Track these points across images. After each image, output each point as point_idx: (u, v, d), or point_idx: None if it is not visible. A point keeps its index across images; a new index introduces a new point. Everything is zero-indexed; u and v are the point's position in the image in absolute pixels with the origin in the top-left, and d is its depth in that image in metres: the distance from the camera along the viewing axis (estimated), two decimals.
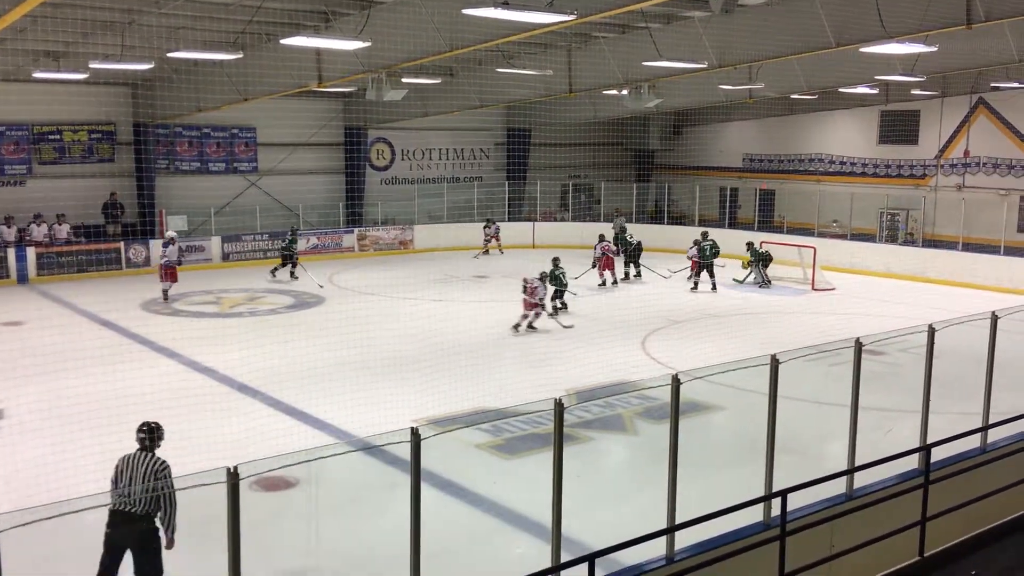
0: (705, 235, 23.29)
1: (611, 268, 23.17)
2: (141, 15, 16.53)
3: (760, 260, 23.33)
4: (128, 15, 16.62)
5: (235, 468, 4.85)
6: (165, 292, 20.34)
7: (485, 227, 28.97)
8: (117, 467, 7.02)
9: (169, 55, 17.74)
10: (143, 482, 6.79)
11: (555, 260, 19.43)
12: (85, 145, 25.36)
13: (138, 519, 6.71)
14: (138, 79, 24.30)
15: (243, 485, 4.91)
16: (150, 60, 19.12)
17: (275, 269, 23.86)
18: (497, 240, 28.90)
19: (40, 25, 16.73)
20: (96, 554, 6.79)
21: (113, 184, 25.64)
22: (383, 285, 22.50)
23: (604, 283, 22.98)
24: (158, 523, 6.76)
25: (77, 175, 25.16)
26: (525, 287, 17.38)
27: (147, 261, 24.74)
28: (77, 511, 4.58)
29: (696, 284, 22.70)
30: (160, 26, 17.52)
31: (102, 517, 6.70)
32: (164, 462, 6.92)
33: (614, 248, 23.74)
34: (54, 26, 16.73)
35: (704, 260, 22.63)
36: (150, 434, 7.01)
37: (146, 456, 6.94)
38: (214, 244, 26.05)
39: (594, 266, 23.33)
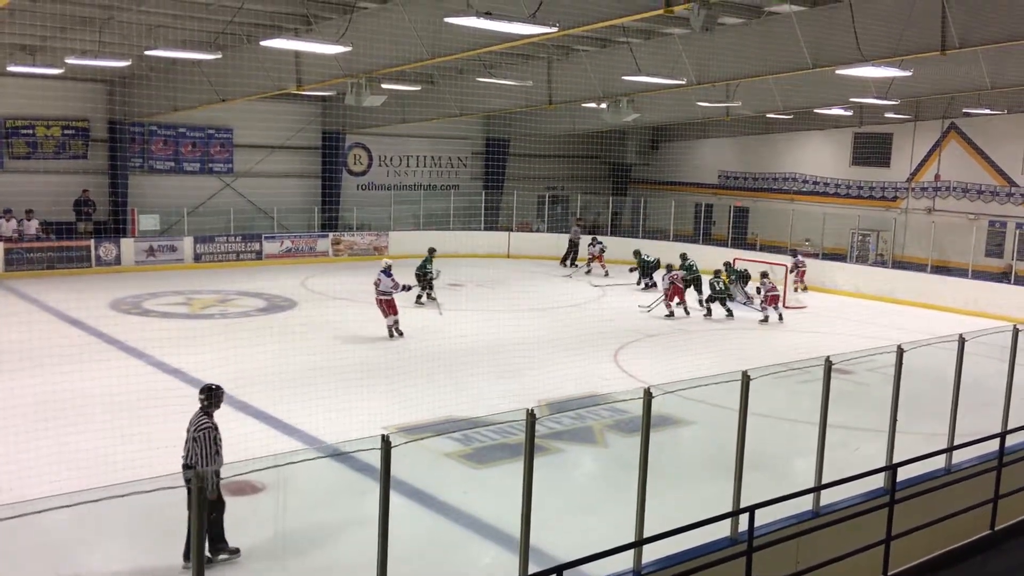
0: (684, 256, 23.30)
1: (681, 297, 21.20)
2: (120, 12, 16.38)
3: (739, 279, 23.46)
4: (107, 11, 16.48)
5: (202, 472, 4.79)
6: (391, 328, 17.38)
7: (591, 245, 27.91)
8: (191, 420, 7.91)
9: (147, 53, 17.60)
10: (191, 437, 7.74)
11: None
12: (58, 141, 25.06)
13: (188, 468, 7.61)
14: (115, 76, 24.09)
15: None
16: (127, 57, 18.95)
17: (419, 297, 20.89)
18: (600, 259, 27.52)
19: (17, 18, 16.54)
20: (55, 552, 6.70)
21: (85, 181, 25.36)
22: (356, 290, 22.39)
23: (672, 314, 21.00)
24: (196, 468, 7.49)
25: (49, 171, 24.86)
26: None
27: (118, 260, 24.49)
28: (39, 511, 4.51)
29: (683, 308, 21.26)
30: (139, 23, 17.40)
31: (63, 517, 6.60)
32: (205, 423, 7.72)
33: (682, 276, 21.70)
34: (31, 20, 16.54)
35: (692, 275, 22.25)
36: (208, 396, 7.89)
37: (198, 416, 7.81)
38: (186, 245, 25.82)
39: (665, 296, 21.36)
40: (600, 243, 28.06)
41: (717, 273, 21.99)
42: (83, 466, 9.45)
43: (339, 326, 17.50)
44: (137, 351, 15.53)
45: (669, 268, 22.08)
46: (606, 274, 27.12)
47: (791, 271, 24.70)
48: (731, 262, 23.77)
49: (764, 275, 21.73)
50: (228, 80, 20.08)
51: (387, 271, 17.57)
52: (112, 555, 8.18)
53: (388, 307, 17.38)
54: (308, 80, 18.68)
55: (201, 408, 7.88)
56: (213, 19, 17.04)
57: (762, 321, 20.99)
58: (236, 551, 7.88)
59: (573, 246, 29.51)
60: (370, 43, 15.41)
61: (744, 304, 22.81)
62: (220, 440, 7.80)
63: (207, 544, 7.43)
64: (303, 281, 24.02)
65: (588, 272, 27.49)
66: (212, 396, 7.88)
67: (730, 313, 21.37)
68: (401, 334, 17.28)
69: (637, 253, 25.57)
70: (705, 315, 21.44)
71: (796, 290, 24.54)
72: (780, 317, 21.18)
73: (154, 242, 25.32)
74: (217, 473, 7.30)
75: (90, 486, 6.70)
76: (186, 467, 7.71)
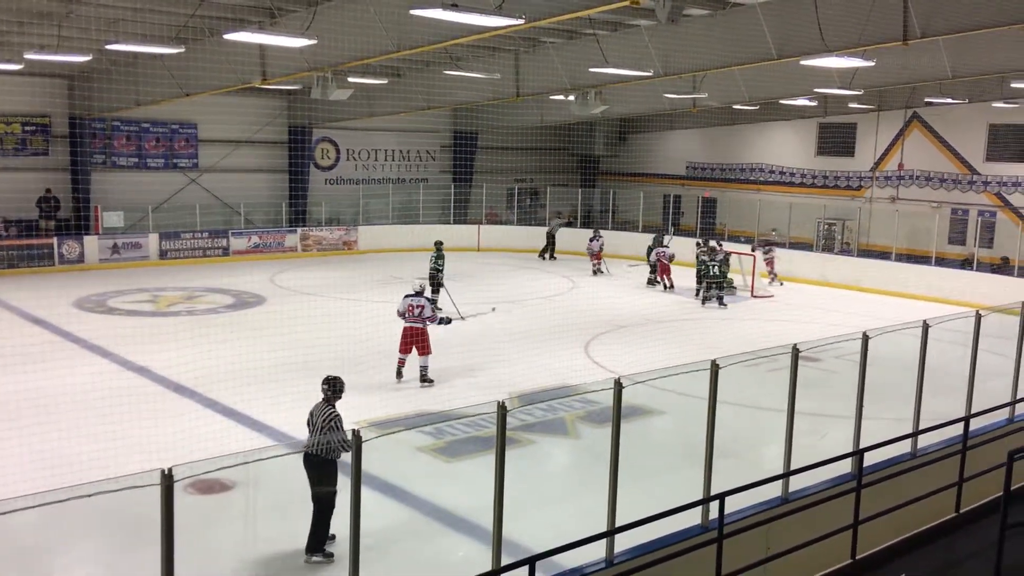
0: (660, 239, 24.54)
1: (667, 273, 23.74)
2: (79, 5, 16.11)
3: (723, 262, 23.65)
4: (66, 5, 16.19)
5: (169, 470, 4.74)
6: (422, 371, 13.84)
7: (592, 240, 26.58)
8: (310, 412, 8.26)
9: (108, 47, 17.33)
10: (318, 429, 7.96)
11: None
12: (18, 138, 24.63)
13: (313, 456, 7.79)
14: (75, 71, 23.72)
15: (178, 487, 4.80)
16: (88, 52, 18.67)
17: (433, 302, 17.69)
18: (599, 256, 26.52)
19: None
20: (25, 555, 6.61)
21: (47, 178, 24.95)
22: (325, 286, 22.27)
23: (671, 285, 23.63)
24: (336, 463, 7.84)
25: (10, 168, 24.42)
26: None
27: (81, 257, 24.14)
28: (5, 512, 4.43)
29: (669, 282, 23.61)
30: (99, 17, 17.09)
31: (30, 519, 6.51)
32: (335, 412, 8.07)
33: (670, 254, 23.96)
34: None
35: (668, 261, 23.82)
36: (332, 386, 8.19)
37: (325, 406, 8.11)
38: (152, 241, 25.52)
39: (653, 272, 24.24)
40: (601, 238, 26.68)
41: (713, 257, 22.48)
42: (49, 466, 9.31)
43: (308, 322, 17.38)
44: (102, 349, 15.33)
45: (659, 243, 24.16)
46: (598, 271, 26.08)
47: (765, 260, 24.93)
48: (717, 246, 23.78)
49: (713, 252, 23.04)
50: (191, 74, 19.82)
51: (421, 293, 13.95)
52: (81, 556, 8.08)
53: (422, 343, 13.70)
54: (273, 74, 18.49)
55: (324, 399, 8.17)
56: (175, 12, 16.80)
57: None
58: (332, 556, 7.87)
59: (551, 239, 29.37)
60: (335, 36, 15.29)
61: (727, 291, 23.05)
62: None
63: (312, 539, 7.85)
64: (271, 277, 23.84)
65: (597, 272, 26.02)
66: (334, 386, 8.19)
67: (722, 302, 21.85)
68: (431, 382, 13.70)
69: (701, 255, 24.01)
70: (703, 303, 21.95)
71: (771, 282, 24.72)
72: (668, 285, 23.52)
73: (118, 239, 24.99)
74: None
75: (57, 486, 6.60)
76: (308, 456, 7.80)
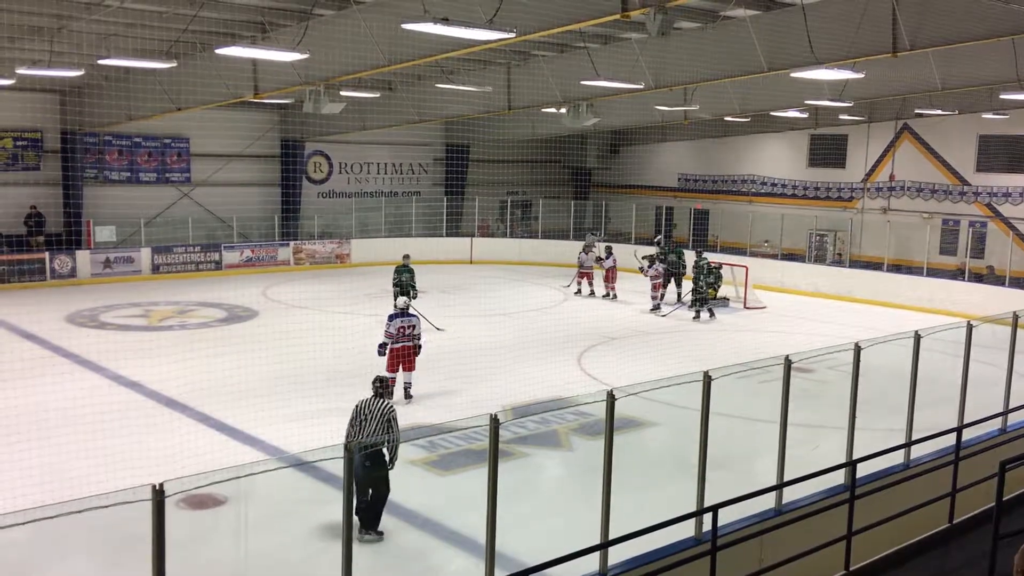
0: (659, 243, 24.29)
1: (659, 288, 22.75)
2: (71, 21, 16.12)
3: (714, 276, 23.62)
4: (58, 20, 16.21)
5: (161, 485, 4.72)
6: (405, 388, 13.71)
7: (604, 258, 24.28)
8: (356, 408, 8.95)
9: (100, 62, 17.33)
10: (376, 421, 8.76)
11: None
12: (10, 152, 24.59)
13: (368, 449, 8.40)
14: (67, 86, 23.70)
15: (169, 503, 4.78)
16: (80, 67, 18.67)
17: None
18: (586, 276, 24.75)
19: None
20: (15, 572, 6.57)
21: (38, 193, 24.89)
22: (318, 299, 22.23)
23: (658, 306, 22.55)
24: (384, 452, 8.60)
25: (0, 183, 24.37)
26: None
27: (73, 272, 24.08)
28: None
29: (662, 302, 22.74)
30: (91, 32, 17.12)
31: (20, 536, 6.46)
32: (392, 406, 8.93)
33: (660, 270, 22.81)
34: None
35: (673, 270, 23.50)
36: (382, 383, 9.21)
37: (379, 401, 8.92)
38: (144, 256, 25.46)
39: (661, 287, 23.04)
40: (612, 255, 24.27)
41: (707, 271, 22.40)
42: (40, 482, 9.26)
43: (300, 336, 17.35)
44: (94, 364, 15.28)
45: (652, 261, 23.13)
46: (607, 294, 24.01)
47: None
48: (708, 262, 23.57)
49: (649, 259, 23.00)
50: (184, 89, 19.83)
51: (407, 311, 13.87)
52: (72, 572, 8.03)
53: (410, 360, 13.61)
54: (265, 88, 18.52)
55: (376, 394, 9.01)
56: (168, 27, 16.81)
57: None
58: (381, 534, 8.68)
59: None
60: (327, 50, 15.32)
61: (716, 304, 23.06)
62: None
63: (363, 517, 8.57)
64: (264, 291, 23.80)
65: (611, 296, 23.92)
66: (384, 384, 9.27)
67: (712, 313, 21.85)
68: (410, 397, 13.59)
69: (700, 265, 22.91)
70: (694, 318, 21.62)
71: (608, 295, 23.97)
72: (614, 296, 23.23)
73: (110, 253, 24.94)
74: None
75: (47, 502, 6.57)
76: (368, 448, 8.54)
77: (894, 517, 8.21)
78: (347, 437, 8.87)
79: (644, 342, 18.54)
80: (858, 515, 7.80)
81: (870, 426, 9.11)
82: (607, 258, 24.15)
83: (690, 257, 24.07)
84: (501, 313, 20.94)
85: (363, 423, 8.82)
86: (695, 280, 22.15)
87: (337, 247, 29.33)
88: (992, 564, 6.97)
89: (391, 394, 9.08)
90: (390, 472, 8.67)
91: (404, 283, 19.25)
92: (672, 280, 23.82)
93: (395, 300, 14.99)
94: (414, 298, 18.30)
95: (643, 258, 23.27)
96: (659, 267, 22.93)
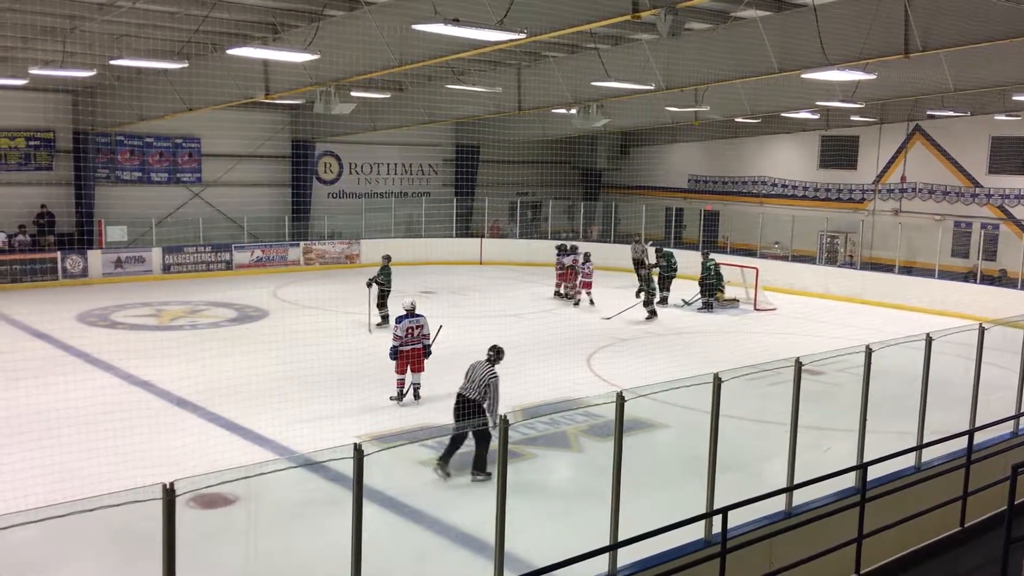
0: (659, 249, 24.20)
1: (587, 288, 22.73)
2: (84, 21, 16.20)
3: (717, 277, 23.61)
4: (71, 21, 16.29)
5: (171, 484, 4.73)
6: (415, 389, 13.75)
7: (583, 263, 22.97)
8: (471, 365, 10.52)
9: (112, 62, 17.40)
10: (478, 381, 10.28)
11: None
12: (22, 152, 24.72)
13: (471, 401, 10.29)
14: (79, 86, 23.81)
15: (179, 502, 4.79)
16: (92, 67, 18.77)
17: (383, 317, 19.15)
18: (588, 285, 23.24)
19: None
20: (26, 571, 6.60)
21: (51, 192, 25.04)
22: (328, 299, 22.26)
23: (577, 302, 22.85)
24: (486, 407, 10.22)
25: (13, 183, 24.51)
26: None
27: (85, 272, 24.20)
28: (6, 527, 4.42)
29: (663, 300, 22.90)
30: (103, 33, 17.21)
31: (31, 534, 6.50)
32: (496, 374, 10.35)
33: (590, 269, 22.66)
34: None
35: (669, 274, 23.47)
36: (497, 352, 10.66)
37: (488, 365, 10.42)
38: (155, 256, 25.56)
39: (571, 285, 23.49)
40: (590, 261, 22.85)
41: (714, 273, 22.78)
42: (51, 481, 9.30)
43: (310, 336, 17.37)
44: (105, 364, 15.33)
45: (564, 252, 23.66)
46: (579, 302, 22.86)
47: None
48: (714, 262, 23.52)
49: (587, 256, 22.90)
50: (195, 89, 19.91)
51: (413, 312, 13.67)
52: (83, 571, 8.06)
53: (419, 361, 13.59)
54: (276, 88, 18.57)
55: (488, 360, 10.48)
56: (179, 28, 16.89)
57: (575, 304, 22.70)
58: (490, 475, 9.77)
59: (639, 266, 24.68)
60: (338, 51, 15.35)
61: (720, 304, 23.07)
62: None
63: (479, 461, 10.16)
64: (274, 291, 23.85)
65: (579, 302, 22.85)
66: (499, 352, 10.65)
67: (709, 307, 22.35)
68: (419, 398, 13.67)
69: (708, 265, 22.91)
70: (699, 309, 22.48)
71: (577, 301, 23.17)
72: (591, 302, 22.57)
73: (122, 253, 25.05)
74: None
75: (58, 500, 6.60)
76: (464, 399, 10.31)
77: (905, 520, 8.18)
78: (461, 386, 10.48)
79: (654, 343, 18.50)
80: (869, 518, 7.77)
81: (881, 429, 9.07)
82: (584, 264, 22.81)
83: (695, 258, 24.53)
84: (510, 314, 20.93)
85: (470, 381, 10.36)
86: (703, 279, 22.71)
87: (347, 248, 29.37)
88: (1004, 568, 6.93)
89: (500, 361, 10.58)
90: (489, 427, 9.86)
91: (372, 280, 18.93)
92: (664, 283, 23.25)
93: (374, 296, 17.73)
94: (383, 298, 19.18)
95: (571, 248, 23.81)
96: (590, 266, 22.73)
